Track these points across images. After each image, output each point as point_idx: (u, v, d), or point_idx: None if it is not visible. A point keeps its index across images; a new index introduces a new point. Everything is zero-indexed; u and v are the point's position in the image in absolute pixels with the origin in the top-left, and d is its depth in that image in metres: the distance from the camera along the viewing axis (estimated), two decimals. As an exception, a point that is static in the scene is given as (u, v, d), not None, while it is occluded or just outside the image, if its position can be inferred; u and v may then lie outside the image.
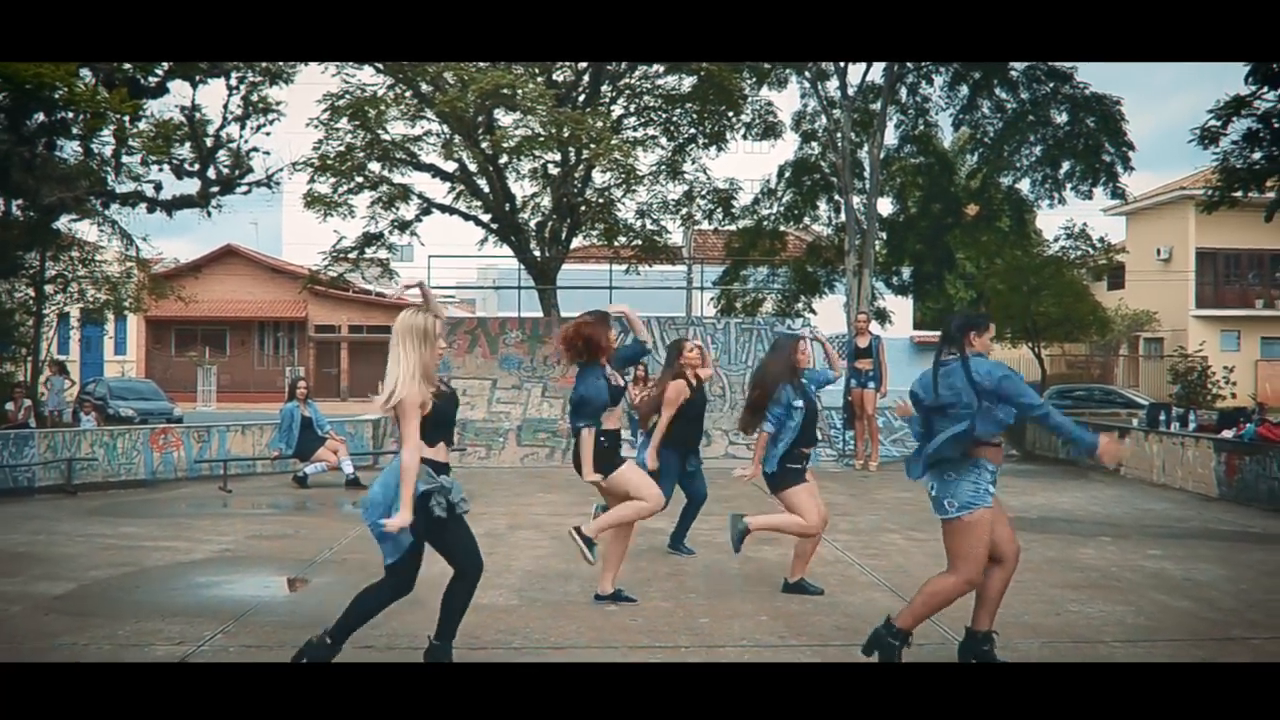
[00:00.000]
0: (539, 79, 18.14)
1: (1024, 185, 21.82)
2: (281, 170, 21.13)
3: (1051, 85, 20.20)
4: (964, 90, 21.33)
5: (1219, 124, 16.84)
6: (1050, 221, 31.84)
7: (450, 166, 20.63)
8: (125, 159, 19.36)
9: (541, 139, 17.65)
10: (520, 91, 16.78)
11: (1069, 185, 20.45)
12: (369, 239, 21.40)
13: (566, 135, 17.29)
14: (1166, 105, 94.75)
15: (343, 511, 11.26)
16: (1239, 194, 17.27)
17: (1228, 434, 12.48)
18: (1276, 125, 16.62)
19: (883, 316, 23.70)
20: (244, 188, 21.05)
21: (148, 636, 5.92)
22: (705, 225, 25.26)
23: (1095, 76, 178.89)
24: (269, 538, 9.29)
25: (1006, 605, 6.64)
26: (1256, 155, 17.01)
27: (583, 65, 20.16)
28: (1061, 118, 20.33)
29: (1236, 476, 11.83)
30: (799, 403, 6.75)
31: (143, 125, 18.86)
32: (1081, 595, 7.00)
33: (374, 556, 8.12)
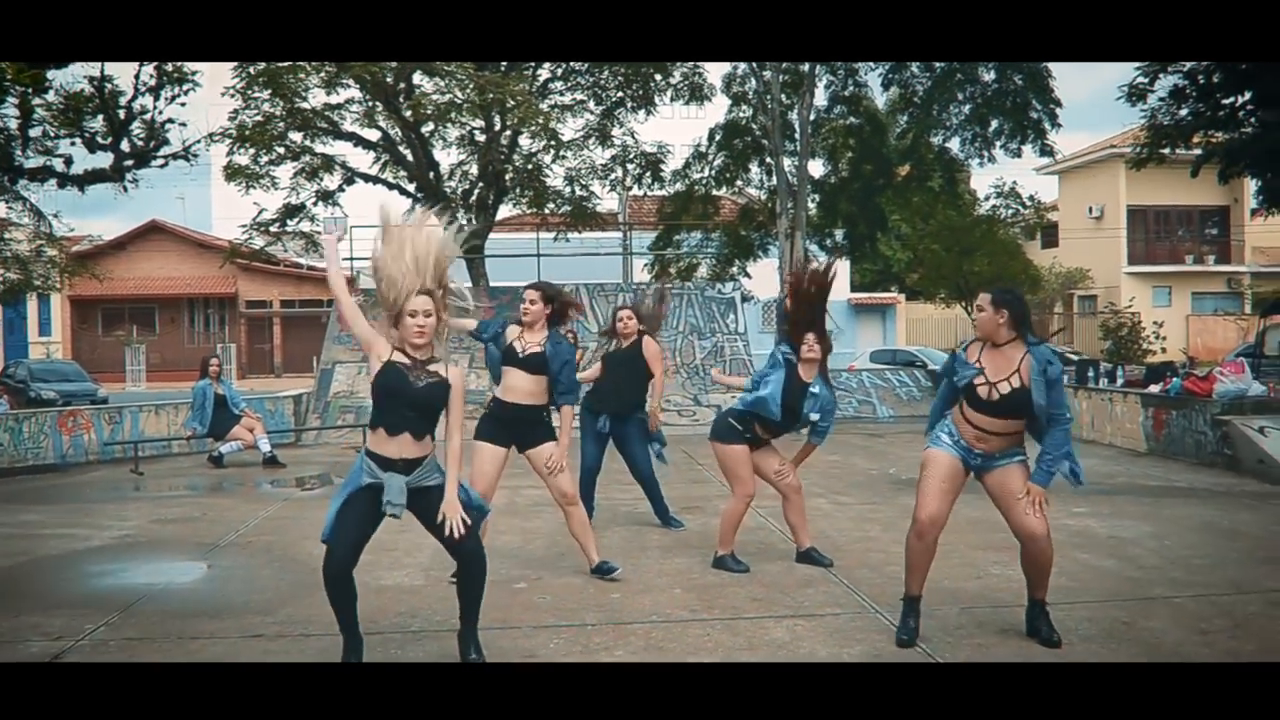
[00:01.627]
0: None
1: (954, 144, 21.79)
2: (199, 142, 20.51)
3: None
4: (893, 49, 21.15)
5: (1146, 81, 16.86)
6: (983, 182, 31.96)
7: (374, 135, 20.13)
8: (32, 132, 18.67)
9: (463, 105, 17.23)
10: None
11: (998, 143, 20.42)
12: (290, 211, 20.83)
13: (488, 100, 16.88)
14: (1104, 65, 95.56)
15: (259, 491, 10.90)
16: (1166, 151, 17.32)
17: (1155, 389, 12.47)
18: (1203, 82, 16.67)
19: (817, 279, 23.57)
20: (160, 161, 20.38)
21: (25, 632, 5.59)
22: (636, 190, 24.95)
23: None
24: (174, 521, 8.93)
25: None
26: (1183, 112, 17.06)
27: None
28: (989, 76, 20.26)
29: (1164, 431, 11.84)
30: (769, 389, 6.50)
31: (50, 97, 18.18)
32: (1004, 557, 6.86)
33: (280, 538, 7.87)
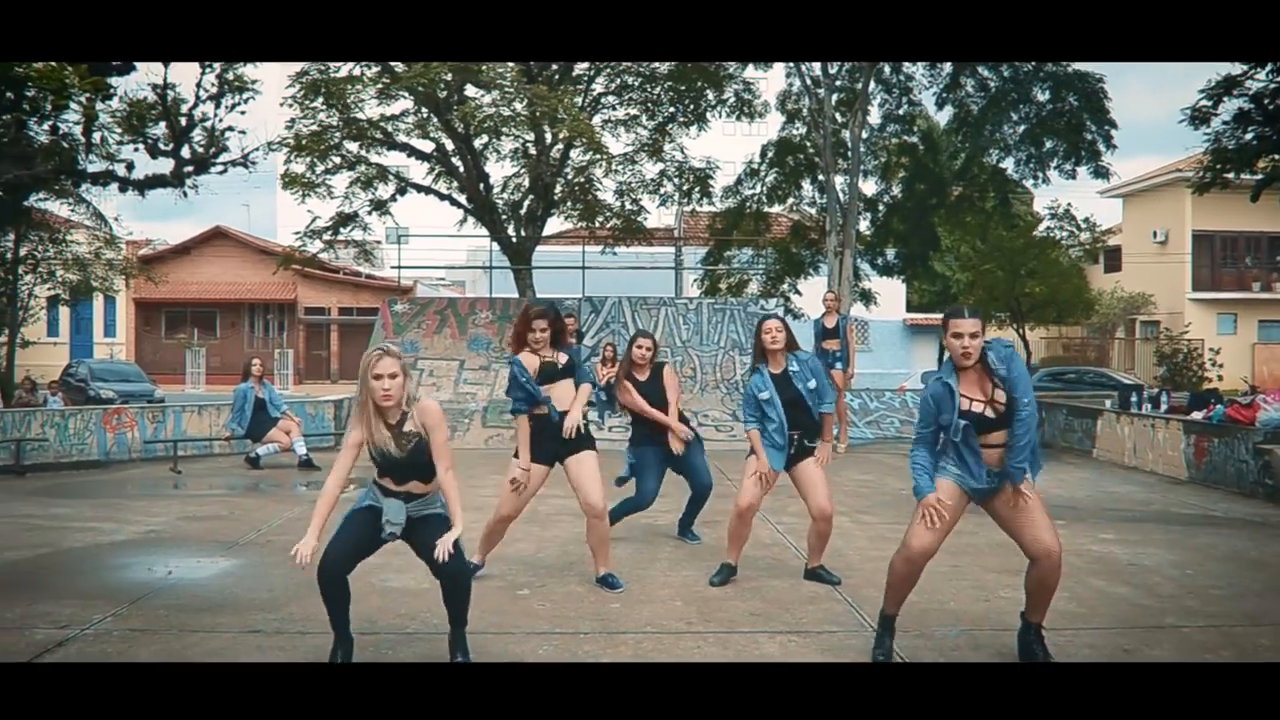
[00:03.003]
0: (508, 57, 17.86)
1: (1008, 164, 21.54)
2: (258, 150, 20.88)
3: (1033, 63, 19.87)
4: (947, 68, 21.00)
5: (1210, 104, 16.57)
6: (1045, 204, 31.50)
7: (427, 147, 20.37)
8: (96, 138, 19.14)
9: (514, 118, 17.37)
10: (484, 67, 16.48)
11: (1052, 164, 20.14)
12: (344, 219, 21.14)
13: (538, 114, 17.01)
14: (1178, 90, 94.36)
15: (294, 493, 11.03)
16: (1230, 175, 17.00)
17: (1198, 415, 12.20)
18: (1268, 105, 16.34)
19: (867, 297, 23.42)
20: (219, 167, 20.79)
21: (34, 619, 5.71)
22: (682, 206, 24.99)
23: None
24: (200, 519, 9.08)
25: (935, 591, 6.46)
26: (1248, 135, 16.74)
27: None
28: (1043, 96, 20.02)
29: (1205, 459, 11.58)
30: (766, 394, 6.48)
31: (115, 103, 18.65)
32: (1016, 580, 6.69)
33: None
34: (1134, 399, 14.03)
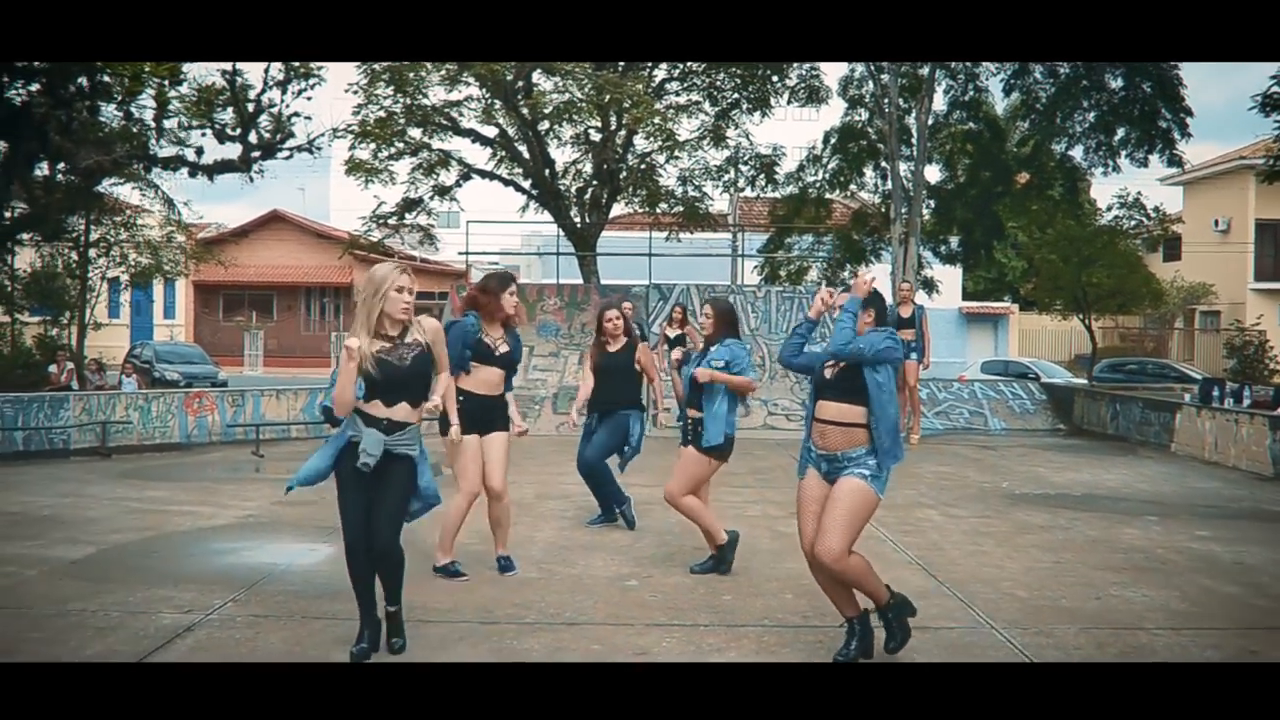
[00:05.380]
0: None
1: (1077, 152, 21.27)
2: (323, 136, 21.05)
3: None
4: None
5: (1281, 90, 16.24)
6: (1104, 192, 31.03)
7: (491, 132, 20.44)
8: (166, 123, 19.40)
9: (580, 104, 17.39)
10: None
11: (1124, 152, 19.86)
12: (409, 204, 21.27)
13: (606, 100, 17.01)
14: (1240, 75, 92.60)
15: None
16: (1302, 164, 16.68)
17: (1284, 411, 12.02)
18: (1344, 90, 16.01)
19: (930, 286, 23.24)
20: (285, 153, 20.97)
21: (157, 604, 5.82)
22: (749, 192, 24.88)
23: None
24: (293, 504, 9.15)
25: (1043, 587, 6.41)
26: (1321, 121, 16.40)
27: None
28: (1116, 83, 19.72)
29: (1292, 455, 11.41)
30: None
31: (184, 89, 18.88)
32: (1123, 578, 6.71)
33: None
34: (1215, 393, 13.83)
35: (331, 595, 6.01)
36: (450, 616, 5.65)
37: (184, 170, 20.14)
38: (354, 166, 20.02)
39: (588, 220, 20.73)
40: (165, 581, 6.32)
